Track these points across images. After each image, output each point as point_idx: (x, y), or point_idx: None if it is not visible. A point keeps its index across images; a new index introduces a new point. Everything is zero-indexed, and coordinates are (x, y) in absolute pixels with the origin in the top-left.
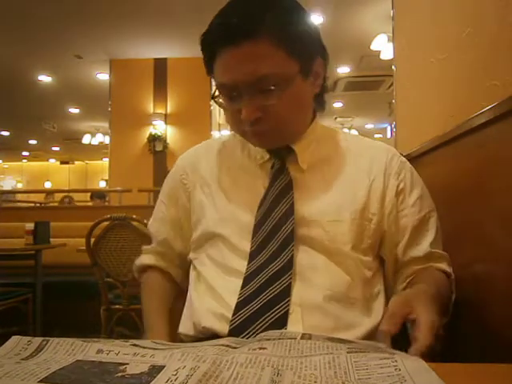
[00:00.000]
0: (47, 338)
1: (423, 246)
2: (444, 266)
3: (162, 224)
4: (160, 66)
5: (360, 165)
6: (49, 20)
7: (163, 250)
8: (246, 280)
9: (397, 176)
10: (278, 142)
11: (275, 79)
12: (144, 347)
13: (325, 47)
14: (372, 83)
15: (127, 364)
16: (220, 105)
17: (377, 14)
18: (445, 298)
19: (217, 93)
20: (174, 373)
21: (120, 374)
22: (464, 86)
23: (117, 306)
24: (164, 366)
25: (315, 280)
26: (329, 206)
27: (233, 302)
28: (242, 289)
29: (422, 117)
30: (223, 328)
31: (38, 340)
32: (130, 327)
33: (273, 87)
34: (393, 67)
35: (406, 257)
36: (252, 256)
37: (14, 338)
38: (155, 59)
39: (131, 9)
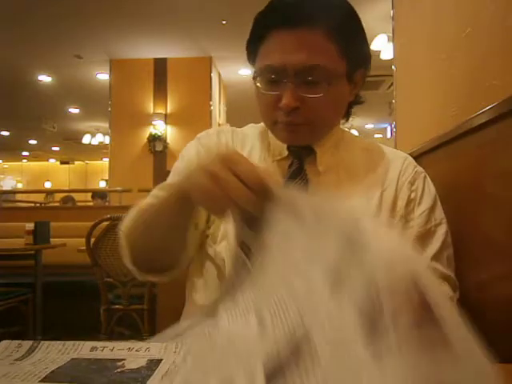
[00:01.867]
0: (37, 341)
1: (424, 256)
2: (445, 288)
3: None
4: (160, 66)
5: (375, 172)
6: (49, 20)
7: None
8: None
9: (410, 185)
10: (306, 139)
11: (325, 73)
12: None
13: (370, 61)
14: (372, 83)
15: (124, 359)
16: (258, 89)
17: (377, 13)
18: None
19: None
20: (173, 365)
21: (119, 370)
22: (464, 86)
23: (117, 306)
24: (161, 360)
25: None
26: None
27: None
28: None
29: (422, 117)
30: None
31: (28, 343)
32: (130, 327)
33: (318, 79)
34: (393, 67)
35: None
36: None
37: (4, 343)
38: (155, 59)
39: (131, 9)
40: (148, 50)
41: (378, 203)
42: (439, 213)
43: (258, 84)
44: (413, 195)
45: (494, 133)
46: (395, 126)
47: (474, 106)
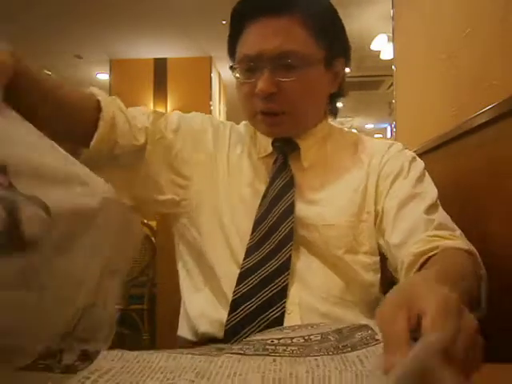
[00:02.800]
0: None
1: (414, 213)
2: (457, 243)
3: (152, 116)
4: (160, 66)
5: (361, 165)
6: (49, 20)
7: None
8: (242, 277)
9: (392, 162)
10: (286, 130)
11: (298, 57)
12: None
13: (350, 52)
14: (372, 83)
15: None
16: (237, 79)
17: (377, 13)
18: (468, 281)
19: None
20: None
21: None
22: (464, 86)
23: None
24: None
25: (312, 282)
26: (325, 210)
27: (227, 301)
28: (237, 286)
29: (422, 117)
30: (219, 331)
31: None
32: (130, 327)
33: (294, 64)
34: (393, 67)
35: (396, 235)
36: (249, 252)
37: None
38: (155, 59)
39: (131, 9)
40: (148, 50)
41: (362, 196)
42: (428, 183)
43: (237, 75)
44: (396, 170)
45: (494, 133)
46: (395, 126)
47: (474, 106)
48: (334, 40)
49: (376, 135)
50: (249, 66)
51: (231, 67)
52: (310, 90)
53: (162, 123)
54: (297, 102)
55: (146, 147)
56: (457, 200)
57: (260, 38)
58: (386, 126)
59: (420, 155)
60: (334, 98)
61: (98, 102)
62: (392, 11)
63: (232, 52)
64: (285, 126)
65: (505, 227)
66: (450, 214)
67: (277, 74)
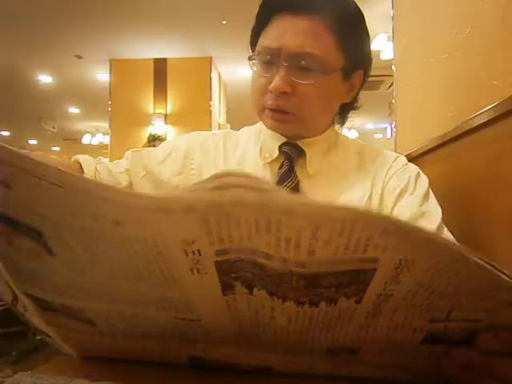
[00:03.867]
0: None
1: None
2: None
3: (130, 156)
4: (160, 65)
5: (366, 175)
6: (49, 20)
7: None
8: None
9: (398, 176)
10: (292, 128)
11: (317, 62)
12: None
13: (370, 64)
14: (372, 83)
15: None
16: (253, 71)
17: (377, 13)
18: None
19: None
20: None
21: None
22: (464, 86)
23: None
24: None
25: None
26: None
27: None
28: None
29: (422, 117)
30: None
31: None
32: None
33: (311, 67)
34: (393, 67)
35: None
36: None
37: None
38: (155, 59)
39: (131, 9)
40: (148, 50)
41: (367, 206)
42: (433, 202)
43: (254, 68)
44: (402, 185)
45: (494, 133)
46: (395, 126)
47: (473, 106)
48: (356, 51)
49: (376, 135)
50: (266, 59)
51: (250, 57)
52: (323, 97)
53: (145, 159)
54: (308, 107)
55: (132, 187)
56: (457, 200)
57: (283, 32)
58: (386, 126)
59: (420, 155)
60: (345, 108)
61: (80, 164)
62: (392, 11)
63: (254, 43)
64: (292, 125)
65: (505, 227)
66: (450, 214)
67: (293, 73)
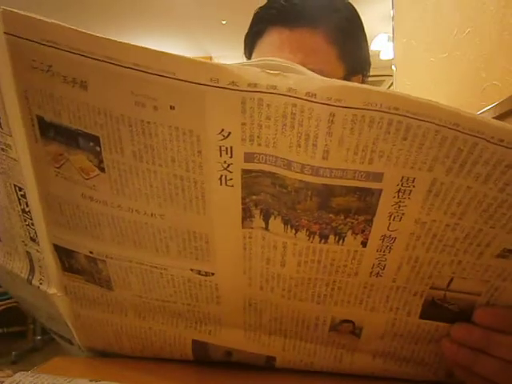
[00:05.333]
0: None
1: None
2: None
3: None
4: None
5: None
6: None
7: None
8: None
9: None
10: None
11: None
12: None
13: (369, 67)
14: (372, 83)
15: None
16: None
17: (377, 13)
18: None
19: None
20: None
21: None
22: (464, 86)
23: None
24: None
25: None
26: None
27: None
28: None
29: None
30: None
31: None
32: None
33: None
34: (393, 67)
35: None
36: None
37: None
38: None
39: (130, 9)
40: None
41: None
42: None
43: None
44: None
45: None
46: None
47: (474, 107)
48: (356, 58)
49: None
50: None
51: None
52: None
53: None
54: None
55: None
56: None
57: (281, 49)
58: None
59: None
60: None
61: None
62: (392, 11)
63: (249, 53)
64: None
65: None
66: None
67: None
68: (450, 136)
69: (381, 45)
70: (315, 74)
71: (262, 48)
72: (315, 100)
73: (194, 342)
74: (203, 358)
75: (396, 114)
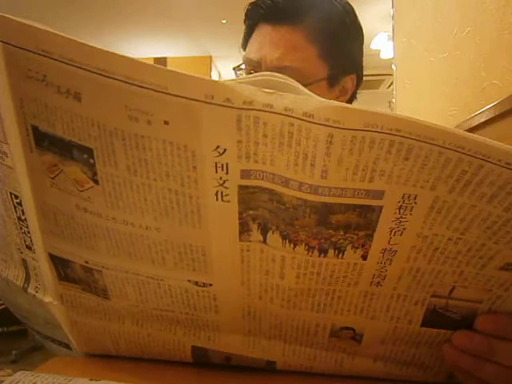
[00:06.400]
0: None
1: None
2: None
3: None
4: (160, 64)
5: None
6: (48, 20)
7: None
8: None
9: None
10: None
11: (298, 75)
12: None
13: (361, 67)
14: (372, 82)
15: None
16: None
17: (377, 12)
18: None
19: (242, 66)
20: None
21: None
22: (464, 86)
23: None
24: None
25: None
26: None
27: None
28: None
29: (422, 116)
30: None
31: None
32: None
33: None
34: (393, 66)
35: None
36: None
37: None
38: (155, 59)
39: (131, 8)
40: (148, 49)
41: None
42: None
43: (241, 75)
44: None
45: (494, 132)
46: None
47: (474, 106)
48: (343, 57)
49: None
50: (249, 71)
51: (234, 68)
52: None
53: None
54: None
55: None
56: None
57: (262, 45)
58: None
59: None
60: None
61: None
62: (392, 11)
63: (244, 50)
64: None
65: None
66: None
67: None
68: (454, 158)
69: (381, 44)
70: (311, 93)
71: (250, 44)
72: (313, 120)
73: (194, 347)
74: (203, 361)
75: (398, 135)
